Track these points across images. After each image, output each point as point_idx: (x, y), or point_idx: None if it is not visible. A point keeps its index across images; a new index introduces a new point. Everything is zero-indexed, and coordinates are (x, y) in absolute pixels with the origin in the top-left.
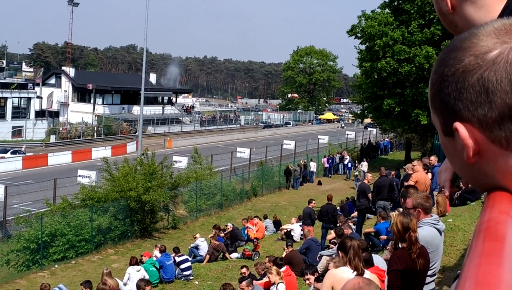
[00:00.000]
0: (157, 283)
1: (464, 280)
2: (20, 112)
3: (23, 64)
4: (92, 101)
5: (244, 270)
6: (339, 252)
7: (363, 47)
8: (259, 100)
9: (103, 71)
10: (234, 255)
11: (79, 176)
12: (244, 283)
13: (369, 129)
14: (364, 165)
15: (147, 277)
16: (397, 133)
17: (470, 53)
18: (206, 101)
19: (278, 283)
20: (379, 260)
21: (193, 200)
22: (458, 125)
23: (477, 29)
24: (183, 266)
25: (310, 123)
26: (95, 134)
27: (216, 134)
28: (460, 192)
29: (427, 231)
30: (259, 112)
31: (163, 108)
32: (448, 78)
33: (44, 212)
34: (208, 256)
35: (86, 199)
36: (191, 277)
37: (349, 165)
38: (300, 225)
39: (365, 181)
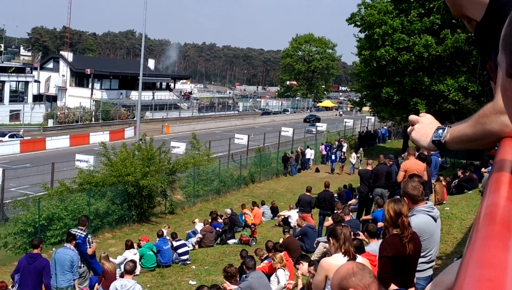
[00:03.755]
0: (154, 267)
1: (468, 261)
2: (18, 96)
3: (21, 48)
4: (90, 86)
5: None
6: (330, 238)
7: (362, 35)
8: (257, 87)
9: (101, 56)
10: (232, 241)
11: (77, 160)
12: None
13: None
14: (353, 157)
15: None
16: (395, 122)
17: None
18: (205, 88)
19: (278, 269)
20: (377, 248)
21: (191, 185)
22: None
23: None
24: (180, 250)
25: (308, 111)
26: (93, 119)
27: (214, 120)
28: (457, 180)
29: (421, 219)
30: (257, 99)
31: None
32: None
33: (41, 195)
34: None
35: (84, 183)
36: (189, 262)
37: (333, 157)
38: (298, 212)
39: (368, 168)
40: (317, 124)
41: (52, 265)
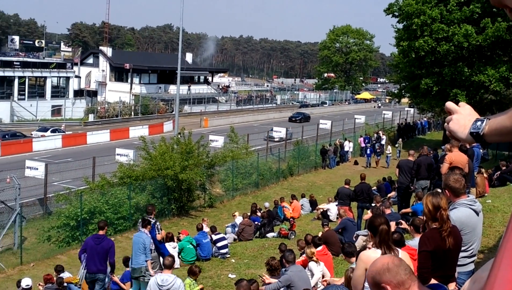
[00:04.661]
0: (194, 261)
1: (500, 260)
2: (59, 92)
3: (62, 44)
4: (129, 80)
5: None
6: (369, 231)
7: (400, 26)
8: (295, 80)
9: (140, 51)
10: (271, 234)
11: (117, 154)
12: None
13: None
14: (389, 150)
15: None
16: (434, 113)
17: None
18: (242, 81)
19: (310, 262)
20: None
21: (230, 179)
22: None
23: None
24: (219, 244)
25: (346, 103)
26: (132, 113)
27: (252, 114)
28: (499, 173)
29: (462, 212)
30: (295, 92)
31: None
32: None
33: (83, 189)
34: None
35: (124, 177)
36: (228, 255)
37: (368, 151)
38: (337, 205)
39: (410, 158)
40: (356, 116)
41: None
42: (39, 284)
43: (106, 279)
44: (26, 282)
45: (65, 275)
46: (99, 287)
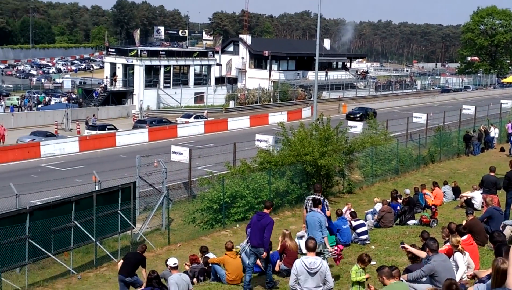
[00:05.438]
0: (333, 246)
1: None
2: (201, 79)
3: (204, 33)
4: (268, 67)
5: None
6: None
7: None
8: (436, 64)
9: (278, 38)
10: (412, 221)
11: (257, 140)
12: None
13: None
14: None
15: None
16: None
17: None
18: (381, 66)
19: (455, 252)
20: None
21: (369, 165)
22: None
23: None
24: (359, 230)
25: (491, 87)
26: (271, 100)
27: (392, 99)
28: None
29: None
30: (436, 77)
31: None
32: None
33: (225, 174)
34: None
35: (264, 162)
36: (368, 242)
37: None
38: (481, 193)
39: None
40: (502, 101)
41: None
42: (186, 264)
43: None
44: (173, 261)
45: (210, 255)
46: (259, 262)
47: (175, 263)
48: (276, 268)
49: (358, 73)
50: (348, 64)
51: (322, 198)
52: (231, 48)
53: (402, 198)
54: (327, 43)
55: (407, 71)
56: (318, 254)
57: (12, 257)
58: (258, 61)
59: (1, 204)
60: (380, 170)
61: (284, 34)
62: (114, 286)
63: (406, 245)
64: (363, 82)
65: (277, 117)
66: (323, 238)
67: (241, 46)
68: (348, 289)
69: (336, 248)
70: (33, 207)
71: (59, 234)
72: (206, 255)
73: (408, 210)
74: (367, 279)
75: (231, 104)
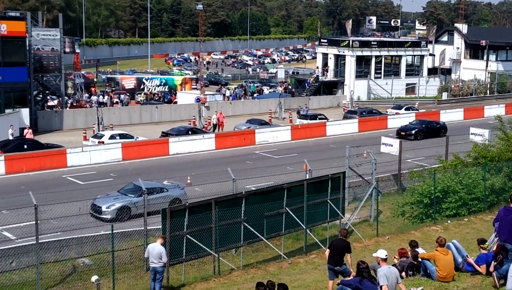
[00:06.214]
0: None
1: None
2: (413, 70)
3: (416, 22)
4: (484, 57)
5: None
6: None
7: None
8: None
9: (497, 26)
10: None
11: (471, 134)
12: None
13: None
14: None
15: None
16: None
17: None
18: None
19: None
20: None
21: None
22: None
23: None
24: None
25: None
26: (487, 92)
27: None
28: None
29: None
30: None
31: None
32: None
33: (436, 168)
34: None
35: (479, 157)
36: None
37: None
38: None
39: None
40: None
41: None
42: (394, 257)
43: None
44: (384, 253)
45: (420, 250)
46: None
47: (386, 255)
48: (491, 269)
49: None
50: None
51: None
52: (445, 38)
53: None
54: None
55: None
56: None
57: (229, 238)
58: (474, 51)
59: (220, 187)
60: None
61: (504, 22)
62: (323, 273)
63: None
64: None
65: (493, 110)
66: None
67: (456, 35)
68: None
69: None
70: (248, 192)
71: (271, 219)
72: (416, 249)
73: None
74: None
75: (444, 95)
